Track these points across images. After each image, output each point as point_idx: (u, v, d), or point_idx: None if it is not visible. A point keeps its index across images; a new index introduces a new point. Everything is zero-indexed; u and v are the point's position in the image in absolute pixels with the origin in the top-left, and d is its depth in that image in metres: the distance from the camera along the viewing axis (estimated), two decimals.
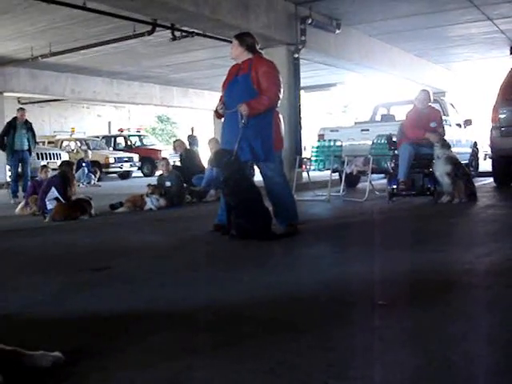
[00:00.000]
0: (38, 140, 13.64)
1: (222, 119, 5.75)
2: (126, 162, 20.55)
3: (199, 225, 6.55)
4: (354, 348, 2.30)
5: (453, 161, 7.97)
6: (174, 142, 11.83)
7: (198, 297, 3.26)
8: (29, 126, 12.02)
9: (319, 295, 3.20)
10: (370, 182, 9.37)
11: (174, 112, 33.89)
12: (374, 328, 2.54)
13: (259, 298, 3.18)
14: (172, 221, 7.50)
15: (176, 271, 4.04)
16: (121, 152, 21.64)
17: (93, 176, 17.51)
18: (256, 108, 5.30)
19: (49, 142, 21.26)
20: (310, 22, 12.22)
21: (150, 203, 8.61)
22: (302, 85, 13.18)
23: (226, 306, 3.04)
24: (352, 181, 11.36)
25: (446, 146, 8.08)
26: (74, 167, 16.83)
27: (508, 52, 17.04)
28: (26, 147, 11.90)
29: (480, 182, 11.07)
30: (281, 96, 5.55)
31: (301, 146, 12.94)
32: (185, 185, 9.63)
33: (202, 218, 7.25)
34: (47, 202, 8.19)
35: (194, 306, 3.07)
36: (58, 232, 6.76)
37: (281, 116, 5.77)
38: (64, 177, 8.44)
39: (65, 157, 17.69)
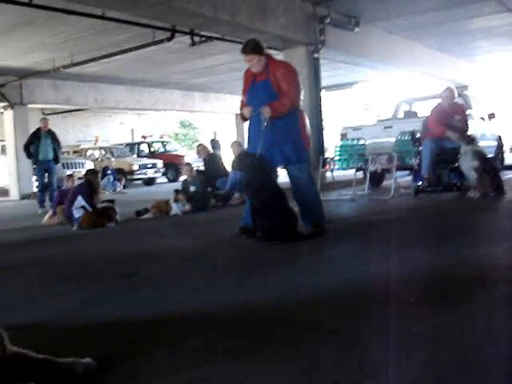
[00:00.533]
0: (62, 150, 13.73)
1: (247, 122, 5.76)
2: (150, 168, 20.66)
3: (225, 228, 6.55)
4: (385, 347, 2.29)
5: (480, 155, 7.88)
6: (198, 146, 11.86)
7: (228, 300, 3.26)
8: (53, 136, 12.14)
9: (347, 295, 3.18)
10: (395, 180, 9.30)
11: (195, 117, 34.00)
12: (402, 326, 2.52)
13: (288, 299, 3.18)
14: (198, 225, 7.52)
15: (204, 275, 4.06)
16: (145, 159, 21.76)
17: (118, 183, 17.65)
18: (278, 109, 5.31)
19: (73, 152, 21.48)
20: (328, 21, 12.17)
21: (176, 208, 8.65)
22: (322, 84, 13.14)
23: (255, 308, 3.04)
24: (377, 179, 11.27)
25: (471, 141, 7.99)
26: (99, 175, 17.09)
27: None
28: (51, 157, 12.00)
29: (506, 176, 10.92)
30: (301, 96, 5.55)
31: (323, 145, 12.89)
32: (209, 189, 9.66)
33: (227, 222, 7.26)
34: (74, 211, 8.27)
35: (223, 308, 3.07)
36: (85, 240, 6.83)
37: (305, 115, 5.78)
38: (90, 185, 8.52)
39: (89, 165, 17.84)
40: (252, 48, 5.52)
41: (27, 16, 10.69)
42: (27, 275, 4.59)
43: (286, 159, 5.48)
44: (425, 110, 10.55)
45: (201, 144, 11.96)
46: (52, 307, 3.37)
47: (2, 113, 17.85)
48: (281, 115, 5.34)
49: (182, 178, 10.40)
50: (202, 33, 12.51)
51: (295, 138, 5.47)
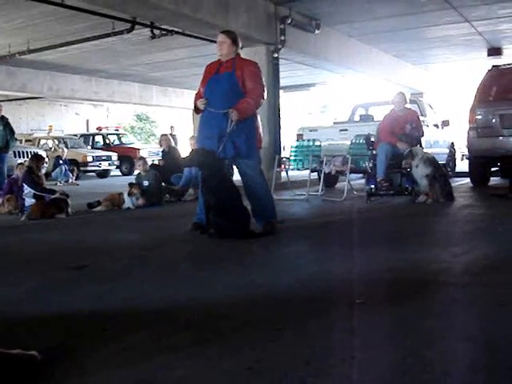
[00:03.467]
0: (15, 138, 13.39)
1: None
2: (105, 160, 20.37)
3: (178, 224, 6.53)
4: (331, 346, 2.32)
5: (432, 162, 8.05)
6: (161, 136, 11.77)
7: (176, 296, 3.25)
8: (6, 123, 11.82)
9: (297, 294, 3.21)
10: (349, 182, 9.43)
11: (153, 110, 33.74)
12: (350, 326, 2.56)
13: (237, 296, 3.19)
14: (150, 220, 7.47)
15: (154, 270, 4.03)
16: (99, 150, 21.44)
17: (70, 174, 17.34)
18: (246, 112, 5.32)
19: (26, 141, 20.99)
20: (289, 21, 12.25)
21: (129, 202, 8.57)
22: (281, 85, 13.21)
23: (203, 304, 3.04)
24: (330, 180, 11.40)
25: (419, 152, 8.14)
26: (51, 165, 16.77)
27: (485, 54, 17.26)
28: (2, 145, 11.70)
29: (457, 183, 11.18)
30: (265, 97, 5.58)
31: (280, 145, 12.96)
32: (163, 184, 9.60)
33: (180, 217, 7.23)
34: (26, 200, 8.13)
35: (171, 304, 3.06)
36: (34, 231, 6.69)
37: (258, 115, 5.81)
38: (30, 170, 8.41)
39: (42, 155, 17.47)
40: (230, 33, 5.65)
41: None
42: None
43: (237, 151, 5.43)
44: (381, 114, 10.71)
45: (165, 134, 11.84)
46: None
47: None
48: (246, 116, 5.35)
49: (137, 171, 10.30)
50: (163, 26, 12.43)
51: (249, 133, 5.48)
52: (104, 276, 3.85)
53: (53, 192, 8.30)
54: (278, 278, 3.64)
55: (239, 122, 5.29)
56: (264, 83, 5.60)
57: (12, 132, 11.95)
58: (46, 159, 14.17)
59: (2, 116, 11.84)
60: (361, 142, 9.37)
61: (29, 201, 8.35)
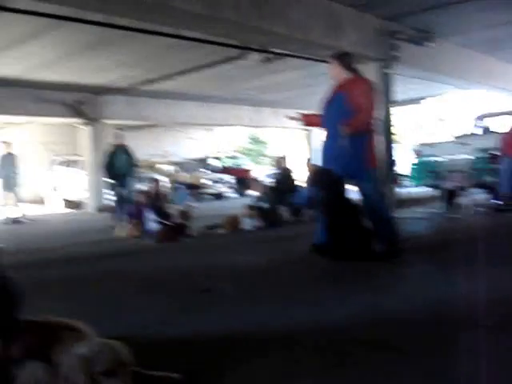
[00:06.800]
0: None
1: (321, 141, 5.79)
2: (220, 183, 20.92)
3: (297, 245, 6.55)
4: (458, 373, 2.23)
5: None
6: (276, 158, 11.93)
7: (300, 318, 3.26)
8: (127, 151, 12.47)
9: (423, 317, 3.13)
10: (471, 198, 9.07)
11: (264, 132, 34.23)
12: (479, 352, 2.44)
13: (362, 319, 3.15)
14: (269, 241, 7.54)
15: (278, 293, 4.06)
16: (214, 173, 22.05)
17: (188, 198, 17.93)
18: (355, 128, 5.28)
19: (145, 166, 21.97)
20: (400, 36, 12.03)
21: (247, 224, 8.72)
22: (392, 99, 12.97)
23: (328, 327, 3.03)
24: (451, 197, 11.00)
25: None
26: (169, 189, 17.43)
27: None
28: (126, 171, 12.31)
29: None
30: (377, 115, 5.53)
31: (394, 161, 12.71)
32: (281, 206, 9.68)
33: (299, 238, 7.25)
34: (148, 224, 8.48)
35: (297, 327, 3.08)
36: (161, 254, 6.97)
37: (373, 134, 5.74)
38: (151, 195, 8.76)
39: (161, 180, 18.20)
40: (336, 55, 5.71)
41: (103, 35, 11.05)
42: (105, 288, 4.72)
43: (349, 171, 5.41)
44: (503, 126, 10.24)
45: (280, 156, 11.98)
46: (131, 321, 3.46)
47: (79, 128, 18.47)
48: (356, 132, 5.31)
49: (252, 192, 10.47)
50: (274, 50, 12.61)
51: (360, 152, 5.42)
52: (231, 300, 3.94)
53: (174, 216, 8.62)
54: (402, 300, 3.56)
55: (350, 139, 5.25)
56: (376, 101, 5.54)
57: (133, 159, 12.57)
58: (165, 184, 14.74)
59: (124, 145, 12.50)
60: (483, 156, 9.01)
61: (152, 225, 8.71)
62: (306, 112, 6.26)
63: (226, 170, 22.74)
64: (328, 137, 5.57)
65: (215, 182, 20.74)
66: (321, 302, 3.67)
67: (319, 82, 16.31)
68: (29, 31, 10.24)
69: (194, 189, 19.36)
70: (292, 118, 6.20)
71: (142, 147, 26.65)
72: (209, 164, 24.13)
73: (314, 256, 5.53)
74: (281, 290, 4.15)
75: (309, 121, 6.25)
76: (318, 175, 5.53)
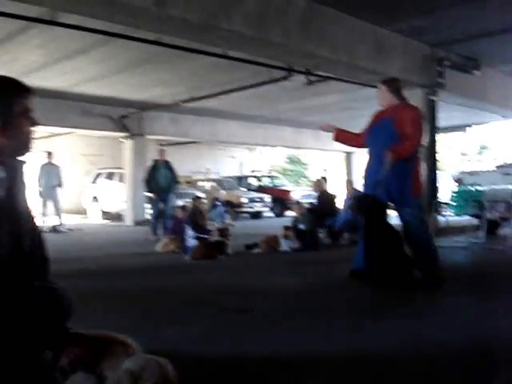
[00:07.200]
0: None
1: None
2: (258, 202, 20.97)
3: (335, 269, 6.53)
4: None
5: None
6: (315, 180, 11.94)
7: (340, 344, 3.26)
8: (169, 166, 12.64)
9: (464, 350, 3.10)
10: None
11: (304, 153, 34.26)
12: None
13: (401, 349, 3.14)
14: (306, 263, 7.53)
15: (316, 317, 4.06)
16: (253, 192, 22.13)
17: (226, 215, 18.01)
18: (400, 155, 5.26)
19: (186, 182, 22.20)
20: (447, 63, 11.97)
21: (285, 245, 8.72)
22: (437, 126, 12.88)
23: (367, 356, 3.02)
24: (493, 227, 10.82)
25: None
26: (209, 206, 17.55)
27: None
28: (167, 187, 12.47)
29: None
30: (423, 142, 5.51)
31: (437, 189, 12.57)
32: (319, 228, 9.67)
33: (337, 262, 7.23)
34: (187, 241, 8.55)
35: (337, 353, 3.07)
36: (198, 271, 7.02)
37: (419, 161, 5.72)
38: (192, 212, 8.83)
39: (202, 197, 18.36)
40: (385, 81, 5.73)
41: (151, 53, 11.28)
42: (145, 302, 4.79)
43: (390, 198, 5.39)
44: None
45: (318, 179, 11.99)
46: (174, 337, 3.51)
47: (122, 142, 18.78)
48: (401, 159, 5.30)
49: (289, 213, 10.47)
50: (318, 72, 12.67)
51: (403, 180, 5.39)
52: (269, 320, 3.95)
53: (212, 233, 8.68)
54: (443, 331, 3.52)
55: (395, 165, 5.24)
56: (423, 128, 5.53)
57: (175, 175, 12.72)
58: (205, 201, 14.85)
59: (166, 161, 12.68)
60: None
61: (191, 241, 8.78)
62: (340, 127, 6.22)
63: (263, 190, 22.81)
64: (372, 161, 5.57)
65: (252, 200, 20.80)
66: (359, 328, 3.66)
67: (362, 105, 16.31)
68: (78, 46, 10.51)
69: (232, 207, 19.44)
70: (325, 129, 6.20)
71: (183, 163, 26.99)
72: (247, 182, 24.24)
73: (353, 281, 5.51)
74: (319, 314, 4.15)
75: (340, 136, 6.22)
76: (360, 200, 5.51)
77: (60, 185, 14.62)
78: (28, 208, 2.30)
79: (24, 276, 2.14)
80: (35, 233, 2.31)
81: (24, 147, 2.19)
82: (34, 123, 2.20)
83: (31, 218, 2.31)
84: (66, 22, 8.17)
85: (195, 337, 3.49)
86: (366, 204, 5.26)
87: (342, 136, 6.24)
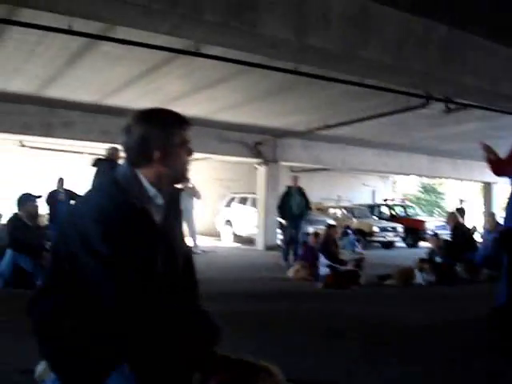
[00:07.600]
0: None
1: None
2: (390, 231, 20.49)
3: (473, 306, 6.20)
4: None
5: None
6: (449, 213, 11.56)
7: None
8: (302, 193, 12.75)
9: None
10: None
11: (439, 182, 33.20)
12: None
13: None
14: (440, 298, 7.23)
15: (451, 357, 3.88)
16: (385, 221, 21.70)
17: (357, 244, 17.79)
18: None
19: (317, 209, 22.22)
20: None
21: (419, 278, 8.47)
22: None
23: None
24: None
25: None
26: (340, 235, 17.45)
27: None
28: (299, 213, 12.56)
29: None
30: None
31: None
32: (456, 262, 9.29)
33: (474, 299, 6.88)
34: (320, 268, 8.55)
35: None
36: (331, 300, 6.95)
37: None
38: (327, 239, 8.81)
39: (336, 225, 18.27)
40: None
41: (289, 82, 11.49)
42: (283, 329, 4.78)
43: None
44: None
45: (452, 212, 11.60)
46: (316, 368, 3.49)
47: (256, 168, 19.21)
48: None
49: (422, 244, 10.16)
50: (457, 100, 12.29)
51: None
52: (407, 357, 3.84)
53: (346, 262, 8.62)
54: None
55: None
56: None
57: (308, 202, 12.80)
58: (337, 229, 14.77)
59: (299, 187, 12.80)
60: None
61: (323, 269, 8.76)
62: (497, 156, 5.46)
63: (396, 219, 22.29)
64: None
65: (384, 229, 20.37)
66: (499, 375, 3.46)
67: (503, 134, 15.57)
68: (219, 76, 10.93)
69: (363, 235, 19.19)
70: (486, 149, 5.50)
71: (315, 190, 27.08)
72: (379, 211, 23.83)
73: (493, 320, 5.22)
74: (454, 355, 3.96)
75: (498, 167, 5.54)
76: (504, 235, 5.24)
77: (193, 207, 15.09)
78: (182, 233, 2.42)
79: (178, 295, 2.26)
80: (188, 256, 2.43)
81: (181, 176, 2.32)
82: (191, 153, 2.32)
83: (184, 243, 2.44)
84: (209, 53, 8.55)
85: (341, 369, 3.45)
86: (510, 239, 4.99)
87: (499, 167, 5.62)
